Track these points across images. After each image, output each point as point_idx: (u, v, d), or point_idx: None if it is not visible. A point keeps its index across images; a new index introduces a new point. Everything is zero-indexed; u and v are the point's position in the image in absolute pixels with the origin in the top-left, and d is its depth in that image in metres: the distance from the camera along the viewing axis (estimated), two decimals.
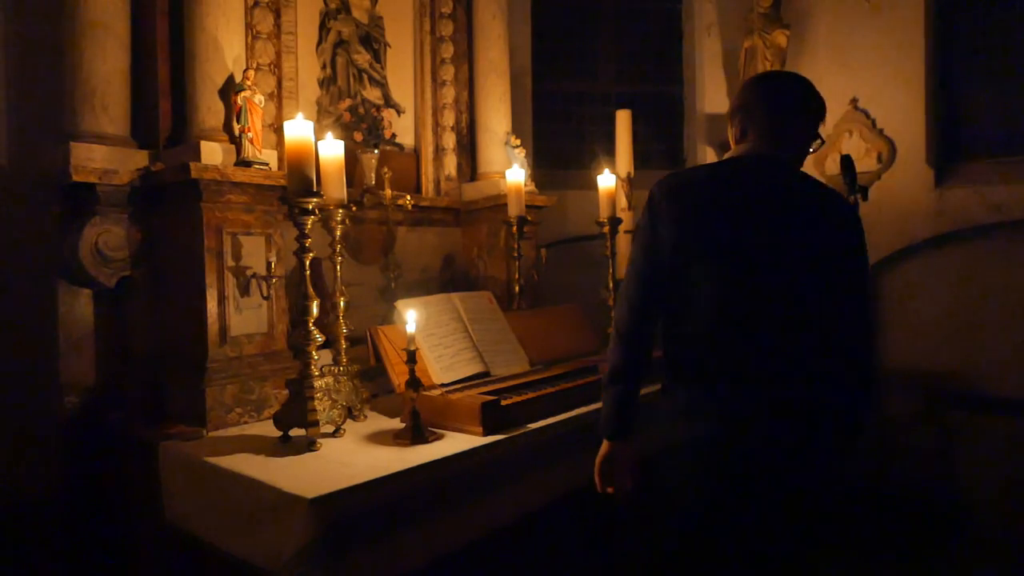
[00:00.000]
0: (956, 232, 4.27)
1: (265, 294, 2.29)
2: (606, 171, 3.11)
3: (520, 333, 2.69)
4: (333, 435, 2.01)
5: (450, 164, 3.52)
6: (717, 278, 1.63)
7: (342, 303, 2.29)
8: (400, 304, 2.36)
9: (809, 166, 4.70)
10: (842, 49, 4.80)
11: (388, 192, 2.89)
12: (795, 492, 1.63)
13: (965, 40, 4.58)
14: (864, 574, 3.17)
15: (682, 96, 5.32)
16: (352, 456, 1.84)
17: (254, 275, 2.28)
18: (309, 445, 1.88)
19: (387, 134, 3.25)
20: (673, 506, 1.73)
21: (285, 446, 1.93)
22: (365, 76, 3.26)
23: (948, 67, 4.61)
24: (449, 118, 3.53)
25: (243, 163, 2.30)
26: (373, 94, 3.29)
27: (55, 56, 2.33)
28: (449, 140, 3.52)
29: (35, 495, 2.31)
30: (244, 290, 2.27)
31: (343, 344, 2.27)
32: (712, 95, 5.14)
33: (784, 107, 1.74)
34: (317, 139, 2.05)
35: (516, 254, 3.10)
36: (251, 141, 2.33)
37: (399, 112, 3.39)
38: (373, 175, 2.92)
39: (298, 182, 1.89)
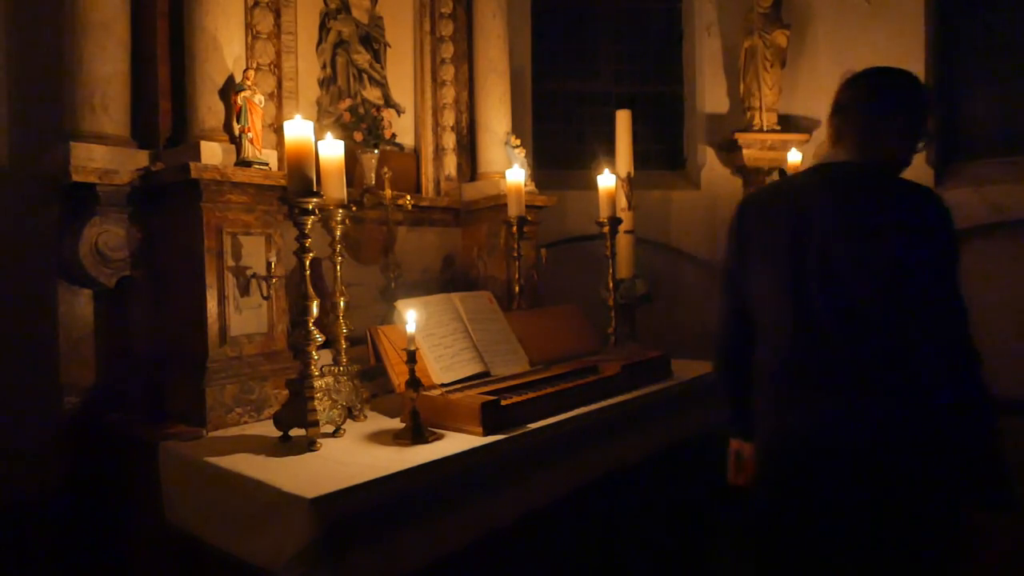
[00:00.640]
0: (956, 232, 4.26)
1: (265, 294, 2.29)
2: (606, 171, 3.11)
3: (520, 333, 2.69)
4: (333, 435, 2.01)
5: (450, 164, 3.52)
6: (782, 290, 1.64)
7: (342, 303, 2.29)
8: (400, 304, 2.35)
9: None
10: (842, 49, 4.80)
11: (388, 192, 2.89)
12: (880, 492, 1.57)
13: (965, 40, 4.58)
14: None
15: (682, 96, 5.32)
16: (352, 456, 1.84)
17: (254, 275, 2.28)
18: (309, 445, 1.87)
19: (387, 134, 3.25)
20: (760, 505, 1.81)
21: (285, 446, 1.93)
22: (365, 76, 3.26)
23: (948, 67, 4.61)
24: (449, 118, 3.53)
25: (243, 163, 2.30)
26: (373, 94, 3.29)
27: (55, 56, 2.33)
28: (449, 140, 3.52)
29: (35, 495, 2.31)
30: (244, 290, 2.27)
31: (343, 344, 2.27)
32: (712, 95, 5.15)
33: (878, 109, 1.64)
34: (317, 139, 2.05)
35: (516, 254, 3.10)
36: (251, 141, 2.33)
37: (399, 112, 3.39)
38: (373, 175, 2.92)
39: (298, 182, 1.89)
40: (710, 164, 5.12)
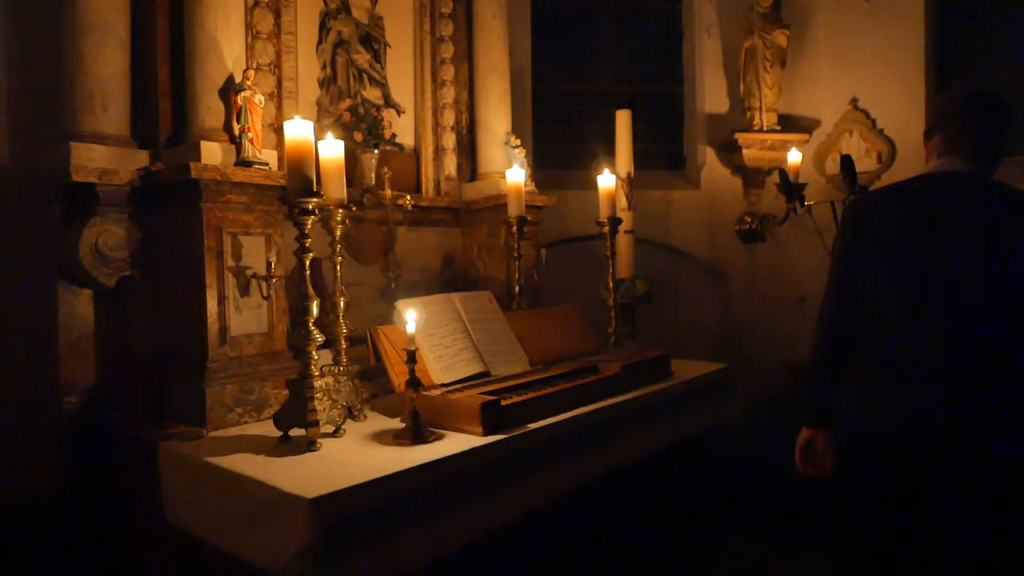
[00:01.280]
0: None
1: (265, 294, 2.29)
2: (606, 171, 3.11)
3: (520, 333, 2.69)
4: (333, 435, 2.01)
5: (450, 164, 3.52)
6: (902, 285, 1.82)
7: (342, 303, 2.29)
8: (400, 304, 2.35)
9: (808, 166, 4.71)
10: (842, 49, 4.81)
11: (388, 192, 2.89)
12: (968, 476, 1.71)
13: (965, 40, 4.58)
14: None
15: (682, 96, 5.32)
16: (352, 456, 1.84)
17: (254, 275, 2.28)
18: (309, 445, 1.87)
19: (387, 134, 3.25)
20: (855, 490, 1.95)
21: (285, 446, 1.93)
22: (365, 76, 3.26)
23: (948, 67, 4.61)
24: (449, 118, 3.53)
25: (243, 163, 2.30)
26: (373, 94, 3.29)
27: (55, 56, 2.33)
28: (449, 140, 3.52)
29: (35, 495, 2.31)
30: (244, 290, 2.27)
31: (343, 344, 2.27)
32: (712, 95, 5.14)
33: (989, 124, 1.85)
34: (317, 139, 2.05)
35: (516, 254, 3.10)
36: (251, 141, 2.33)
37: (399, 112, 3.39)
38: (373, 175, 2.91)
39: (298, 182, 1.89)
40: (710, 164, 5.12)
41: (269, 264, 2.24)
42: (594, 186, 3.11)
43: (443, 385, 2.29)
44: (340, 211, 2.27)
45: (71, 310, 2.32)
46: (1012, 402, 1.69)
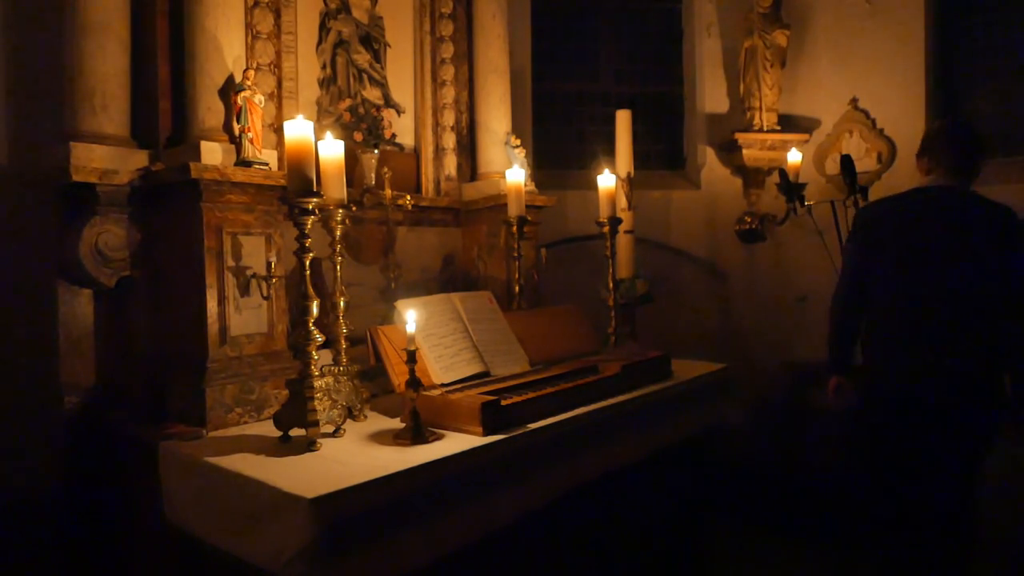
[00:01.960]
0: None
1: (265, 294, 2.29)
2: (606, 171, 3.11)
3: (520, 333, 2.69)
4: (333, 435, 2.01)
5: (450, 164, 3.52)
6: (894, 279, 2.48)
7: (342, 303, 2.29)
8: (400, 304, 2.35)
9: (808, 166, 4.72)
10: (842, 49, 4.81)
11: (388, 192, 2.89)
12: (958, 428, 2.39)
13: (965, 40, 4.58)
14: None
15: (682, 96, 5.32)
16: (352, 456, 1.84)
17: (254, 275, 2.28)
18: (309, 445, 1.87)
19: (387, 134, 3.25)
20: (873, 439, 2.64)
21: (285, 446, 1.93)
22: (365, 76, 3.26)
23: (948, 67, 4.61)
24: (449, 118, 3.53)
25: (243, 163, 2.30)
26: (373, 94, 3.29)
27: (55, 56, 2.33)
28: (449, 140, 3.52)
29: (35, 495, 2.31)
30: (244, 290, 2.27)
31: (343, 344, 2.27)
32: (712, 95, 5.15)
33: (963, 149, 2.49)
34: (317, 139, 2.05)
35: (516, 254, 3.10)
36: (251, 141, 2.33)
37: (399, 112, 3.39)
38: (373, 175, 2.92)
39: (298, 182, 1.89)
40: (710, 164, 5.12)
41: (269, 264, 2.24)
42: (594, 186, 3.11)
43: (443, 385, 2.29)
44: (340, 211, 2.27)
45: (71, 310, 2.32)
46: (984, 369, 2.38)
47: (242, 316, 2.27)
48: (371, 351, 2.37)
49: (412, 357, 1.98)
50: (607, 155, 3.93)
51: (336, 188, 2.24)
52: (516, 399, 2.17)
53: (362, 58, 3.23)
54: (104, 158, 2.25)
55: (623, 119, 4.02)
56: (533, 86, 5.02)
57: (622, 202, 3.87)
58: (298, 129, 1.88)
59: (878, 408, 2.56)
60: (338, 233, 2.30)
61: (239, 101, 2.32)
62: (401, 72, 3.45)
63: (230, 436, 2.08)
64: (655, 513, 2.81)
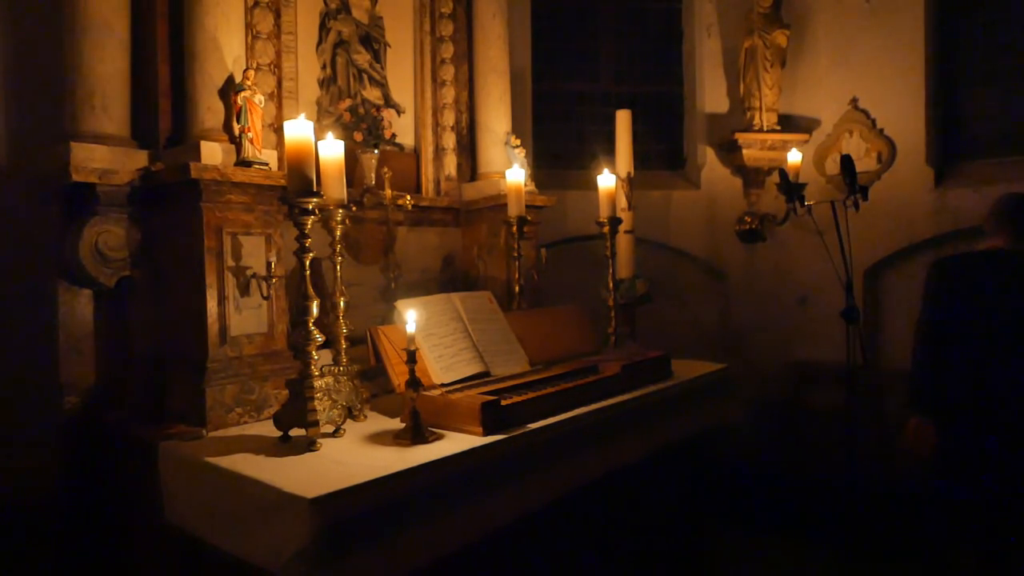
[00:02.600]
0: (956, 232, 4.27)
1: (265, 294, 2.29)
2: (606, 171, 3.11)
3: (520, 333, 2.69)
4: (333, 435, 2.01)
5: (450, 164, 3.52)
6: (973, 335, 2.70)
7: (342, 303, 2.29)
8: (400, 304, 2.35)
9: (808, 166, 4.71)
10: (842, 49, 4.80)
11: (388, 192, 2.89)
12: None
13: (965, 40, 4.58)
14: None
15: (682, 96, 5.32)
16: (352, 456, 1.84)
17: (254, 275, 2.28)
18: (309, 445, 1.87)
19: (387, 134, 3.25)
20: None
21: (285, 446, 1.93)
22: (365, 76, 3.26)
23: (948, 67, 4.61)
24: (449, 118, 3.53)
25: (243, 163, 2.30)
26: (373, 94, 3.29)
27: (55, 56, 2.33)
28: (449, 140, 3.52)
29: (35, 495, 2.31)
30: (244, 290, 2.27)
31: (343, 344, 2.27)
32: (712, 95, 5.15)
33: (1015, 217, 2.77)
34: (317, 139, 2.05)
35: (516, 254, 3.10)
36: (251, 141, 2.33)
37: (399, 112, 3.39)
38: (373, 175, 2.92)
39: (298, 182, 1.89)
40: (710, 164, 5.12)
41: (269, 264, 2.24)
42: (594, 186, 3.11)
43: (443, 385, 2.29)
44: (340, 211, 2.27)
45: (71, 310, 2.32)
46: None
47: (242, 316, 2.27)
48: (371, 351, 2.37)
49: (412, 357, 1.98)
50: (607, 155, 3.92)
51: (336, 188, 2.24)
52: (516, 399, 2.17)
53: (362, 58, 3.23)
54: (104, 158, 2.25)
55: (623, 119, 4.02)
56: (533, 86, 5.02)
57: (622, 202, 3.87)
58: (298, 129, 1.88)
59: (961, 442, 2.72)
60: (338, 233, 2.30)
61: (239, 101, 2.32)
62: (401, 72, 3.45)
63: (230, 436, 2.08)
64: (655, 513, 2.81)
